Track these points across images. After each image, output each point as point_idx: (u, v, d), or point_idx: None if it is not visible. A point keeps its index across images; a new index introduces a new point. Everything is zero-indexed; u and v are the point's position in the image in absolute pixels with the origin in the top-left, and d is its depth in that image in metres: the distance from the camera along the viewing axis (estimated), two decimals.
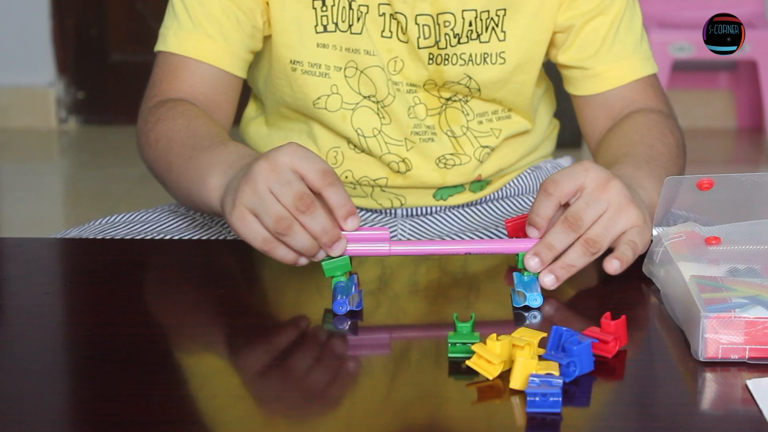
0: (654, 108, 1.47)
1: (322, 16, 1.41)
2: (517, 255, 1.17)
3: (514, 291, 1.15)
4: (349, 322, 1.11)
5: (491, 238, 1.44)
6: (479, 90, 1.45)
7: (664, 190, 1.19)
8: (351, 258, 1.18)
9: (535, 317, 1.12)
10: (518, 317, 1.12)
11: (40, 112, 4.27)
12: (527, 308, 1.13)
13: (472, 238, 1.45)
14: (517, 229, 1.24)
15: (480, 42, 1.42)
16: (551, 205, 1.17)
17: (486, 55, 1.43)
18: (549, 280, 1.15)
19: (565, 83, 1.51)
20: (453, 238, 1.46)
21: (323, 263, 1.15)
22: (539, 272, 1.15)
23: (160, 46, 1.45)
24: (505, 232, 1.43)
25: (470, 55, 1.43)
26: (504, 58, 1.43)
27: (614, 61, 1.47)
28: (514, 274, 1.18)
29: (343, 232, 1.14)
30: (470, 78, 1.44)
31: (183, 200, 1.37)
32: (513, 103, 1.49)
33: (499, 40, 1.43)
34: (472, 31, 1.42)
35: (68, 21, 4.25)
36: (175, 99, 1.42)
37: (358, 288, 1.15)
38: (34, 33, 4.23)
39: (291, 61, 1.43)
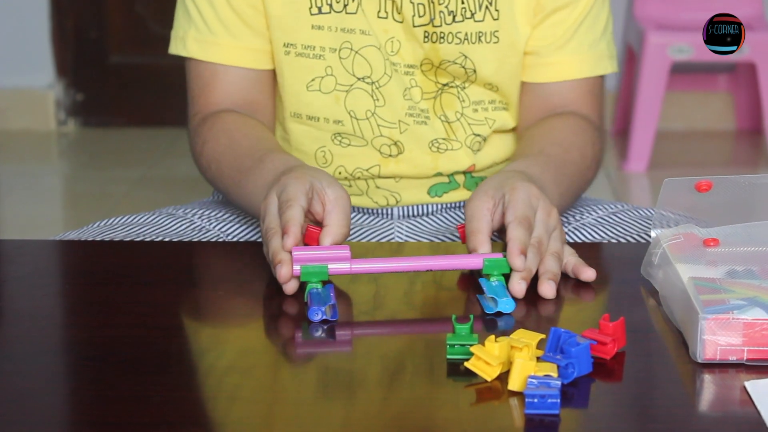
0: (586, 116, 1.50)
1: None
2: (483, 261, 1.18)
3: (483, 297, 1.15)
4: (345, 324, 1.11)
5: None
6: (475, 71, 1.46)
7: (663, 192, 1.19)
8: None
9: (509, 323, 1.11)
10: (490, 324, 1.12)
11: (39, 114, 4.27)
12: (499, 314, 1.13)
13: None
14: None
15: (475, 21, 1.44)
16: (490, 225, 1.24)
17: (481, 34, 1.44)
18: (519, 289, 1.17)
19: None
20: (450, 238, 1.46)
21: (302, 266, 1.16)
22: (507, 279, 1.17)
23: (180, 51, 1.48)
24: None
25: (465, 34, 1.44)
26: (498, 38, 1.45)
27: (566, 55, 1.49)
28: (481, 280, 1.17)
29: (303, 252, 1.17)
30: (465, 57, 1.45)
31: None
32: (509, 90, 1.50)
33: (493, 19, 1.44)
34: (465, 9, 1.43)
35: (67, 23, 4.25)
36: (214, 113, 1.46)
37: (334, 299, 1.15)
38: (33, 34, 4.23)
39: (284, 44, 1.45)
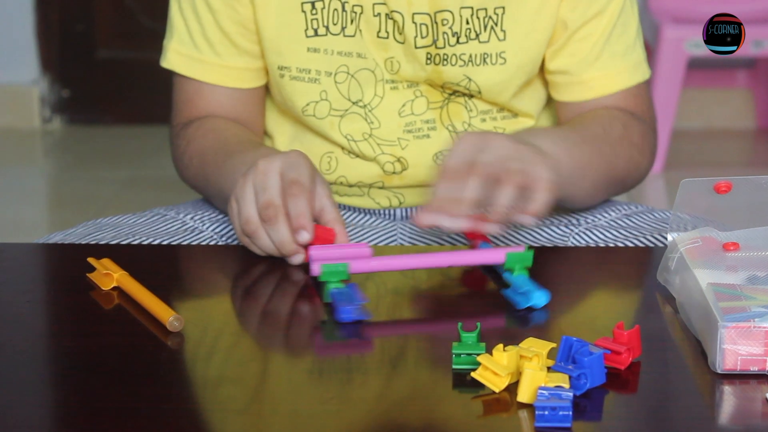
0: (629, 112, 1.49)
1: (312, 20, 1.43)
2: (506, 254, 1.19)
3: (513, 293, 1.15)
4: (348, 332, 1.11)
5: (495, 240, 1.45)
6: (480, 92, 1.47)
7: (680, 193, 1.19)
8: None
9: (542, 319, 1.11)
10: (522, 320, 1.12)
11: (22, 112, 4.28)
12: (531, 309, 1.13)
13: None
14: (476, 233, 1.25)
15: (479, 42, 1.44)
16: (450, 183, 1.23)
17: (486, 56, 1.44)
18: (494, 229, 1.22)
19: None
20: (453, 239, 1.46)
21: (322, 265, 1.16)
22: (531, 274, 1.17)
23: (164, 63, 1.51)
24: (510, 238, 1.43)
25: (470, 56, 1.44)
26: (504, 59, 1.45)
27: (602, 69, 1.48)
28: (505, 274, 1.18)
29: (322, 250, 1.20)
30: (470, 80, 1.45)
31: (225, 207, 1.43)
32: (517, 107, 1.50)
33: (499, 40, 1.44)
34: (470, 29, 1.43)
35: (53, 15, 4.26)
36: (201, 117, 1.49)
37: (363, 297, 1.14)
38: (17, 28, 4.23)
39: (279, 67, 1.46)
